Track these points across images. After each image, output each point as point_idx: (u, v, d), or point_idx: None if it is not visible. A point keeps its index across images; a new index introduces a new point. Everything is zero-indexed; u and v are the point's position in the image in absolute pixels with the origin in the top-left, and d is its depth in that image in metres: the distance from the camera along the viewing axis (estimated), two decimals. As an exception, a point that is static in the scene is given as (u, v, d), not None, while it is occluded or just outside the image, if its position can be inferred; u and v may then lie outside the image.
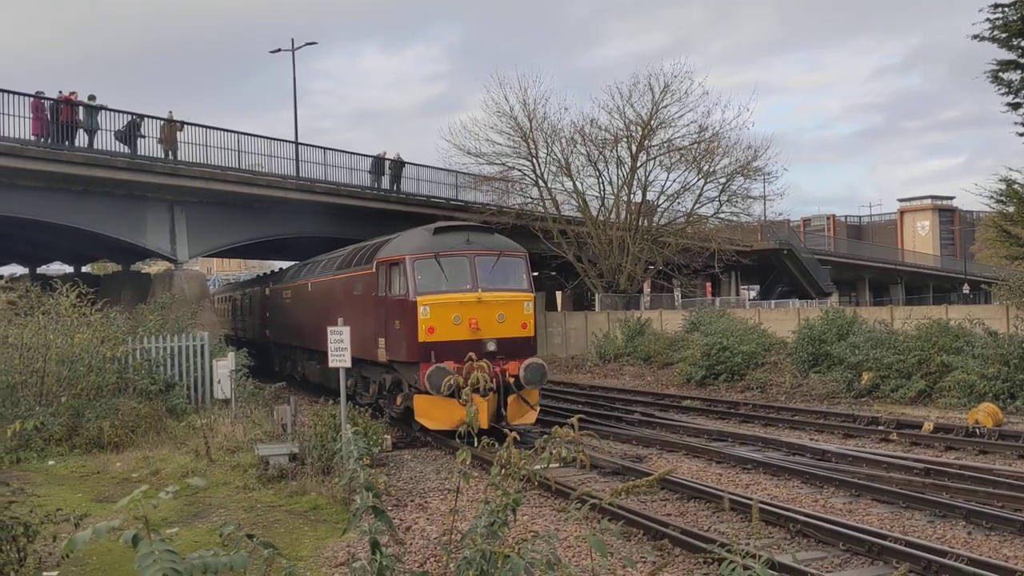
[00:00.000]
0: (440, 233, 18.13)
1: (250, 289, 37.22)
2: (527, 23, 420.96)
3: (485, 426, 16.07)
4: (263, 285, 33.98)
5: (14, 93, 24.31)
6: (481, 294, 17.11)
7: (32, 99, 24.95)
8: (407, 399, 17.51)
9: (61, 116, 25.39)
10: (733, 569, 3.06)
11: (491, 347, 17.07)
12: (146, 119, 27.72)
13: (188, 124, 29.12)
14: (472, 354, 5.12)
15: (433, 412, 16.43)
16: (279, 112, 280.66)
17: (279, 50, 40.65)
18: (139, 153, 27.35)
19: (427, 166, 38.93)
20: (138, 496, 2.63)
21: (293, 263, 33.32)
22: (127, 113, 27.26)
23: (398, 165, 36.82)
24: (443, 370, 16.10)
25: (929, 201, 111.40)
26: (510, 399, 16.71)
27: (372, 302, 18.86)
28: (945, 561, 8.11)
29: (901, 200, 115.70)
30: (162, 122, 28.25)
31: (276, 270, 37.18)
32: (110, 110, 26.79)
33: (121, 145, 27.01)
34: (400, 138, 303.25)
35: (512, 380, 16.76)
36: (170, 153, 28.22)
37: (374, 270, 18.97)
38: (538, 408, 17.75)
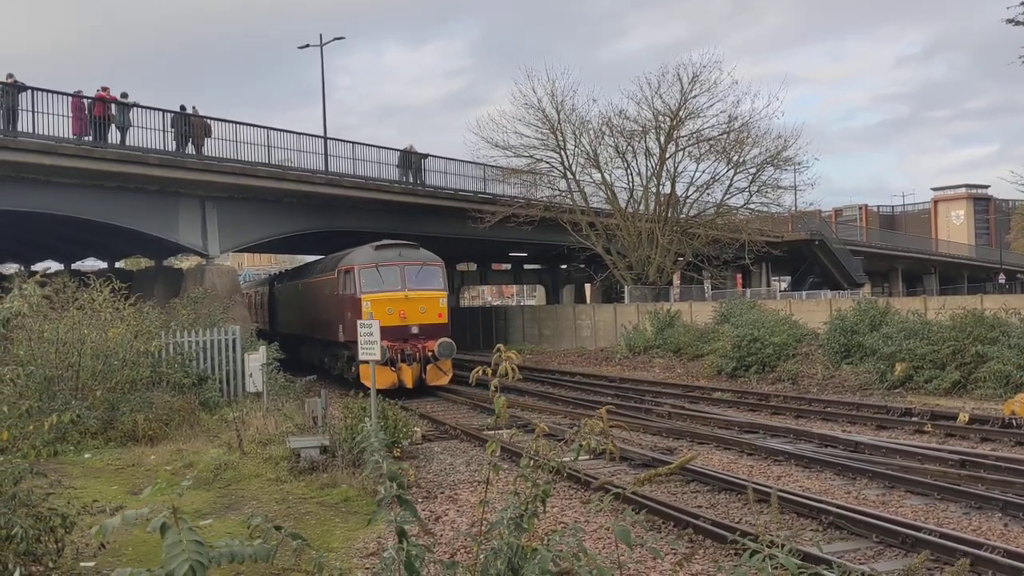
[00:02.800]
0: (380, 249, 24.78)
1: (261, 288, 43.03)
2: (547, 17, 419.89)
3: (411, 386, 23.22)
4: (270, 284, 40.49)
5: (50, 92, 24.59)
6: (408, 293, 23.78)
7: (72, 98, 25.24)
8: (356, 367, 23.34)
9: (94, 112, 25.67)
10: (762, 559, 3.05)
11: (415, 330, 23.52)
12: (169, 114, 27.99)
13: (219, 120, 29.35)
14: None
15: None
16: (303, 110, 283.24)
17: (307, 46, 40.93)
18: (179, 149, 27.86)
19: (454, 159, 38.89)
20: (161, 484, 2.67)
21: (295, 265, 39.98)
22: (159, 110, 27.51)
23: (419, 157, 36.70)
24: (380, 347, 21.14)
25: (964, 190, 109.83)
26: (429, 367, 23.34)
27: (335, 299, 25.46)
28: (981, 553, 8.01)
29: (935, 189, 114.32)
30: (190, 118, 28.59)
31: (281, 271, 43.58)
32: (142, 107, 27.05)
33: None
34: (423, 133, 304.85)
35: (431, 353, 23.21)
36: (201, 148, 28.57)
37: (336, 275, 25.57)
38: (451, 373, 23.91)
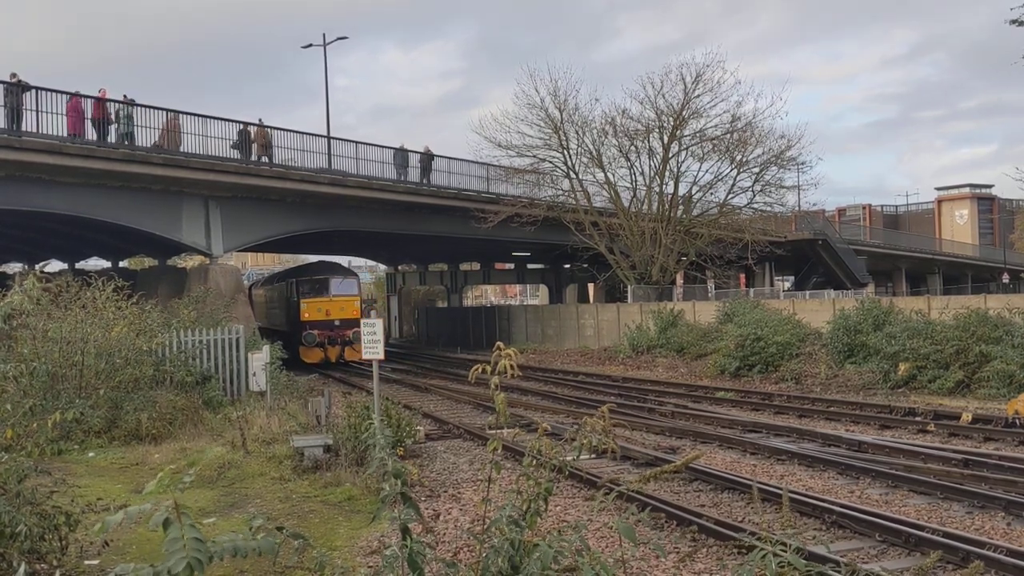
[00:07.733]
0: (314, 266, 36.97)
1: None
2: (541, 18, 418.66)
3: (333, 361, 34.34)
4: (249, 289, 48.64)
5: (54, 92, 24.60)
6: (332, 297, 35.30)
7: (70, 98, 25.23)
8: (297, 348, 33.51)
9: (93, 113, 25.63)
10: (763, 557, 3.05)
11: (337, 323, 34.50)
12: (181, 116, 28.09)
13: (221, 120, 29.38)
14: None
15: (308, 354, 34.09)
16: (301, 111, 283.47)
17: (311, 45, 41.01)
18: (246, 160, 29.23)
19: (458, 159, 38.87)
20: (164, 480, 2.69)
21: (267, 275, 54.21)
22: (164, 110, 27.52)
23: (427, 158, 36.71)
24: (312, 334, 34.17)
25: (967, 190, 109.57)
26: (347, 348, 33.95)
27: (285, 301, 37.52)
28: (984, 552, 8.00)
29: (938, 188, 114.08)
30: (253, 128, 29.90)
31: (257, 279, 54.50)
32: (143, 107, 27.06)
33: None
34: (419, 133, 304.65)
35: (348, 338, 33.44)
36: (263, 156, 30.07)
37: (286, 285, 37.88)
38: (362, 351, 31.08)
